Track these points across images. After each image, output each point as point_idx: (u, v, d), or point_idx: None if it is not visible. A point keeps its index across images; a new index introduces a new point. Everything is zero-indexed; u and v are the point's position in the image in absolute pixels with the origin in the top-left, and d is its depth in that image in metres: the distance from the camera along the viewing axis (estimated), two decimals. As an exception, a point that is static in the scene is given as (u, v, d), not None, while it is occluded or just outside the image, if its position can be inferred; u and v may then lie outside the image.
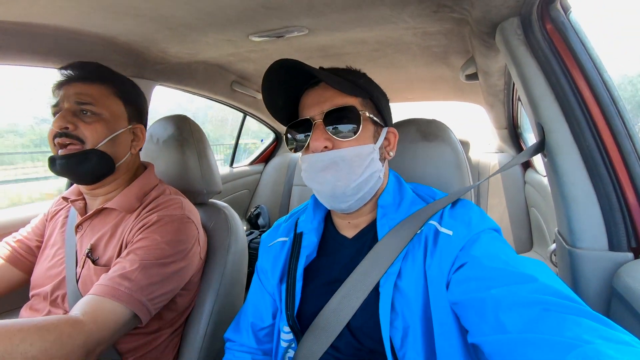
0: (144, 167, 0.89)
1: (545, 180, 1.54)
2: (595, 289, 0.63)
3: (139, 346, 0.77)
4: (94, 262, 0.76)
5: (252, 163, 2.53)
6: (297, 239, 0.70)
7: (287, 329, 0.66)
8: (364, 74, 0.68)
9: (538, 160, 1.78)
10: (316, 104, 0.61)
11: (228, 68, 1.47)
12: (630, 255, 0.61)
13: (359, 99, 0.62)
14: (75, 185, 0.87)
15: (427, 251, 0.57)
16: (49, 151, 0.77)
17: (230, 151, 2.34)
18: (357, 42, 1.13)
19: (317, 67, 0.61)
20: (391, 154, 0.67)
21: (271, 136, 2.57)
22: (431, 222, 0.60)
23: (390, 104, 0.71)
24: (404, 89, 1.90)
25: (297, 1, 0.79)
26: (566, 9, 0.68)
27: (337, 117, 0.60)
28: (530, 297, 0.41)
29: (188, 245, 0.77)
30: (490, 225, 0.57)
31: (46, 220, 0.90)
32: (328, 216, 0.72)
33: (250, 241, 1.88)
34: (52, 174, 0.77)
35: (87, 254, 0.76)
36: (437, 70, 1.48)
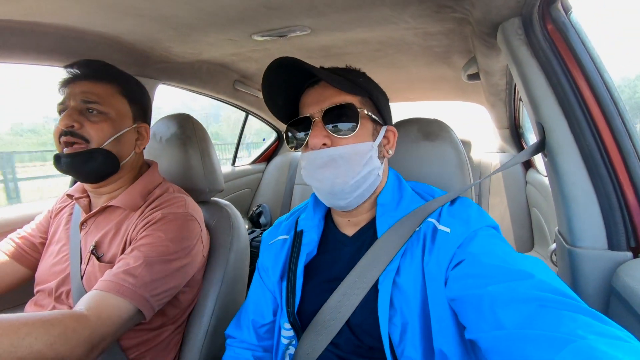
0: (147, 165, 0.90)
1: (547, 180, 1.54)
2: (594, 287, 0.64)
3: (142, 342, 0.77)
4: (99, 258, 0.76)
5: (254, 162, 2.54)
6: (298, 236, 0.70)
7: (287, 325, 0.67)
8: (364, 73, 0.68)
9: (539, 160, 1.78)
10: (315, 102, 0.62)
11: (230, 67, 1.48)
12: (629, 254, 0.62)
13: (358, 97, 0.63)
14: (79, 182, 0.88)
15: (425, 248, 0.57)
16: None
17: (248, 150, 2.33)
18: (359, 42, 1.13)
19: (318, 67, 0.62)
20: (390, 152, 0.68)
21: (273, 135, 2.58)
22: (430, 219, 0.60)
23: (392, 104, 0.71)
24: (405, 88, 1.90)
25: (297, 1, 0.80)
26: (567, 10, 0.68)
27: (336, 115, 0.60)
28: (527, 294, 0.41)
29: (191, 242, 0.78)
30: (488, 222, 0.58)
31: (50, 217, 0.91)
32: (328, 214, 0.72)
33: (252, 240, 1.89)
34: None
35: (92, 250, 0.77)
36: (438, 70, 1.48)
